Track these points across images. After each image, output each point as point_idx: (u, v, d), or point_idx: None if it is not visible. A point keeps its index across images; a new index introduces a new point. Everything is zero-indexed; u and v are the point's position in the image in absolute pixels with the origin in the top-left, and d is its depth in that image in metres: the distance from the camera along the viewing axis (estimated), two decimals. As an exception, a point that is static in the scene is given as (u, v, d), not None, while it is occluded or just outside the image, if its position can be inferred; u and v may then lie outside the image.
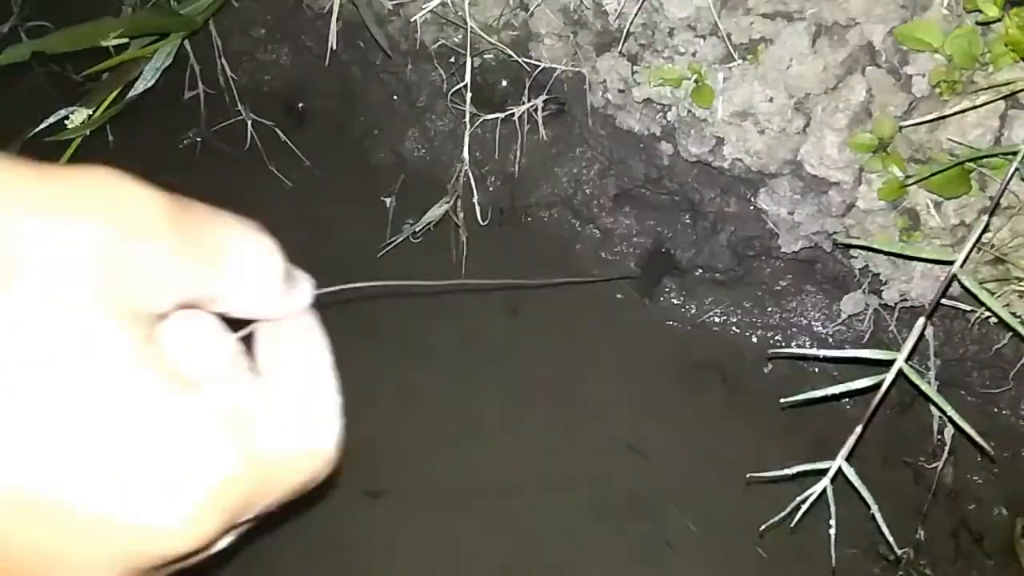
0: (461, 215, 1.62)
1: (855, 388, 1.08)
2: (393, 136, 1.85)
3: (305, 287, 0.39)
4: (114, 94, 1.47)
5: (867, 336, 1.52)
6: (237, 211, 0.36)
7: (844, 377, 1.14)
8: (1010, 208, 1.23)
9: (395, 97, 1.82)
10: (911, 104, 1.24)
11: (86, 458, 0.27)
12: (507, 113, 1.57)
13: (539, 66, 1.50)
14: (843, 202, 1.35)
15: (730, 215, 1.54)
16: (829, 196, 1.36)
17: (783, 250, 1.48)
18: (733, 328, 1.66)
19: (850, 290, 1.49)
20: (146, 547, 0.28)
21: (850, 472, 1.08)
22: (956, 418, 1.06)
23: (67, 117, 1.40)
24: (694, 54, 1.34)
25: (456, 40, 1.58)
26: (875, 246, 1.30)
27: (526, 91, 1.56)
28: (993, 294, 1.16)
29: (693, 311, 1.68)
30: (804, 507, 1.11)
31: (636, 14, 1.34)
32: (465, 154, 1.53)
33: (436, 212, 1.61)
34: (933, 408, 1.36)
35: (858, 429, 1.07)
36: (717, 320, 1.66)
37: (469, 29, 1.43)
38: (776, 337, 1.63)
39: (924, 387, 1.07)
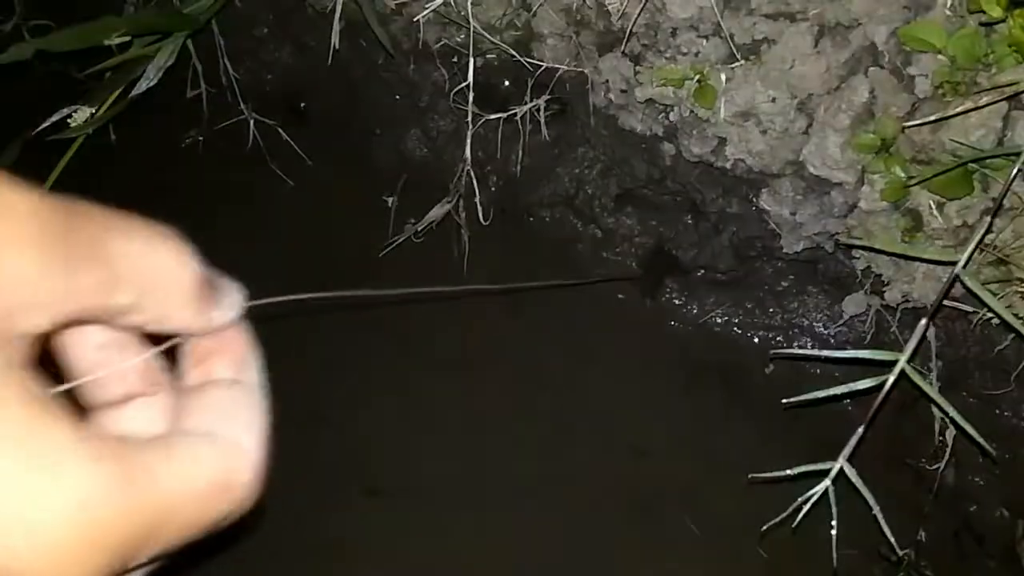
0: (463, 215, 1.62)
1: (857, 389, 1.08)
2: (395, 136, 1.85)
3: (232, 299, 0.35)
4: (117, 93, 1.48)
5: (869, 337, 1.52)
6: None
7: (845, 378, 1.14)
8: (1013, 209, 1.23)
9: (397, 97, 1.82)
10: (914, 105, 1.24)
11: None
12: (509, 113, 1.57)
13: (541, 66, 1.50)
14: (845, 203, 1.35)
15: (732, 215, 1.54)
16: (831, 197, 1.36)
17: (785, 251, 1.48)
18: (735, 329, 1.66)
19: (852, 291, 1.49)
20: None
21: (851, 473, 1.08)
22: (958, 419, 1.06)
23: (70, 116, 1.40)
24: (697, 54, 1.34)
25: (459, 40, 1.58)
26: (877, 247, 1.30)
27: (528, 91, 1.56)
28: (995, 295, 1.16)
29: (695, 311, 1.68)
30: (806, 508, 1.11)
31: (639, 14, 1.34)
32: (467, 154, 1.53)
33: (438, 212, 1.61)
34: (935, 409, 1.36)
35: (860, 430, 1.07)
36: (719, 320, 1.66)
37: (472, 29, 1.43)
38: (778, 338, 1.63)
39: (926, 388, 1.07)
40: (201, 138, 1.94)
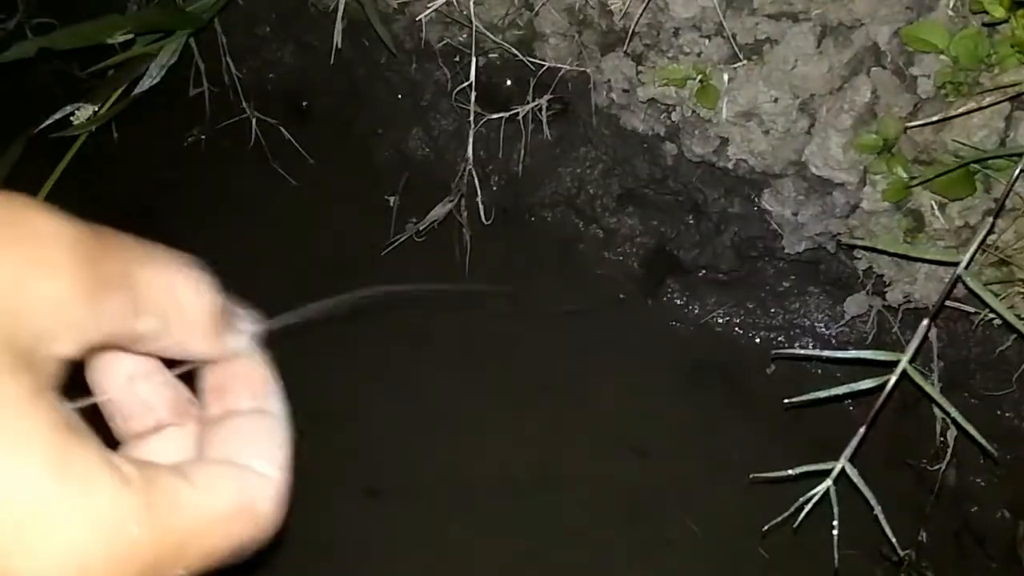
0: (465, 214, 1.63)
1: (859, 389, 1.08)
2: (397, 135, 1.85)
3: (249, 326, 0.36)
4: (119, 91, 1.48)
5: (870, 337, 1.52)
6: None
7: (847, 378, 1.14)
8: (1015, 210, 1.23)
9: (399, 96, 1.82)
10: (916, 105, 1.24)
11: None
12: (511, 112, 1.57)
13: (544, 66, 1.50)
14: (847, 203, 1.35)
15: (734, 216, 1.54)
16: (833, 197, 1.36)
17: (787, 251, 1.48)
18: (736, 329, 1.66)
19: (854, 291, 1.49)
20: None
21: (853, 473, 1.08)
22: (960, 420, 1.06)
23: (72, 114, 1.40)
24: (699, 54, 1.34)
25: (461, 39, 1.58)
26: (879, 247, 1.30)
27: (530, 91, 1.56)
28: (997, 296, 1.16)
29: (696, 311, 1.68)
30: (807, 508, 1.11)
31: (641, 14, 1.34)
32: (469, 153, 1.53)
33: (440, 211, 1.61)
34: (936, 410, 1.36)
35: (861, 430, 1.07)
36: (720, 320, 1.66)
37: (474, 28, 1.43)
38: (779, 338, 1.63)
39: (928, 389, 1.07)
40: (203, 137, 1.94)
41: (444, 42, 1.60)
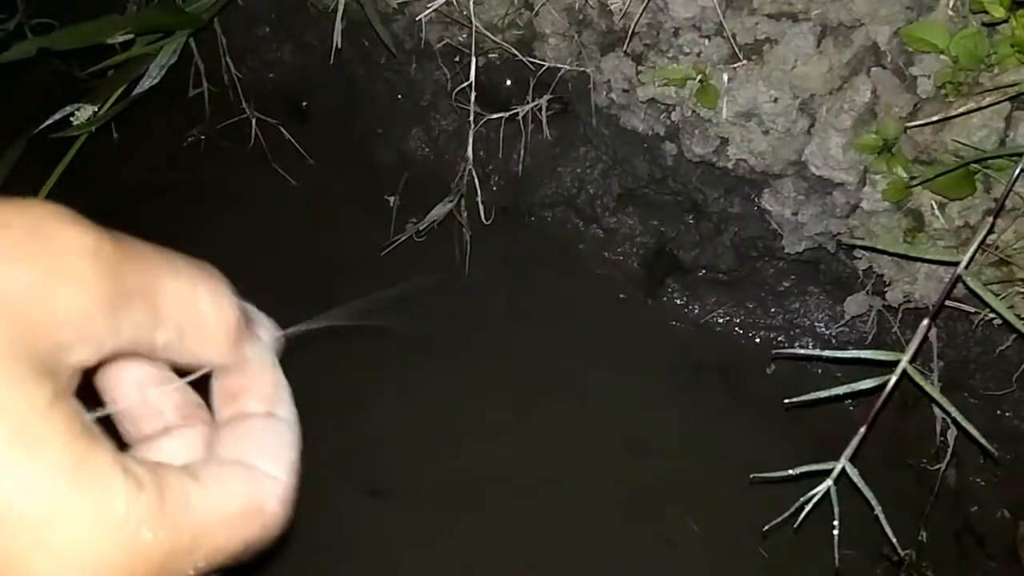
0: (464, 214, 1.63)
1: (859, 389, 1.08)
2: (397, 135, 1.85)
3: (265, 334, 0.37)
4: (119, 91, 1.48)
5: (870, 337, 1.52)
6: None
7: (847, 378, 1.14)
8: (1015, 210, 1.23)
9: (399, 96, 1.82)
10: (916, 105, 1.24)
11: None
12: (511, 112, 1.57)
13: (543, 65, 1.50)
14: (847, 203, 1.35)
15: (734, 215, 1.54)
16: (833, 197, 1.36)
17: (787, 251, 1.48)
18: (736, 328, 1.66)
19: (854, 291, 1.49)
20: None
21: (853, 473, 1.08)
22: (960, 420, 1.06)
23: (72, 114, 1.40)
24: (699, 54, 1.34)
25: (461, 39, 1.58)
26: (879, 247, 1.30)
27: (530, 90, 1.56)
28: (997, 296, 1.16)
29: (696, 311, 1.68)
30: (808, 508, 1.11)
31: (641, 14, 1.34)
32: (469, 153, 1.53)
33: (440, 211, 1.61)
34: (936, 410, 1.36)
35: (862, 430, 1.07)
36: (720, 320, 1.66)
37: (474, 28, 1.43)
38: (779, 338, 1.63)
39: (928, 388, 1.07)
40: (203, 137, 1.94)
41: (444, 42, 1.60)
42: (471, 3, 1.41)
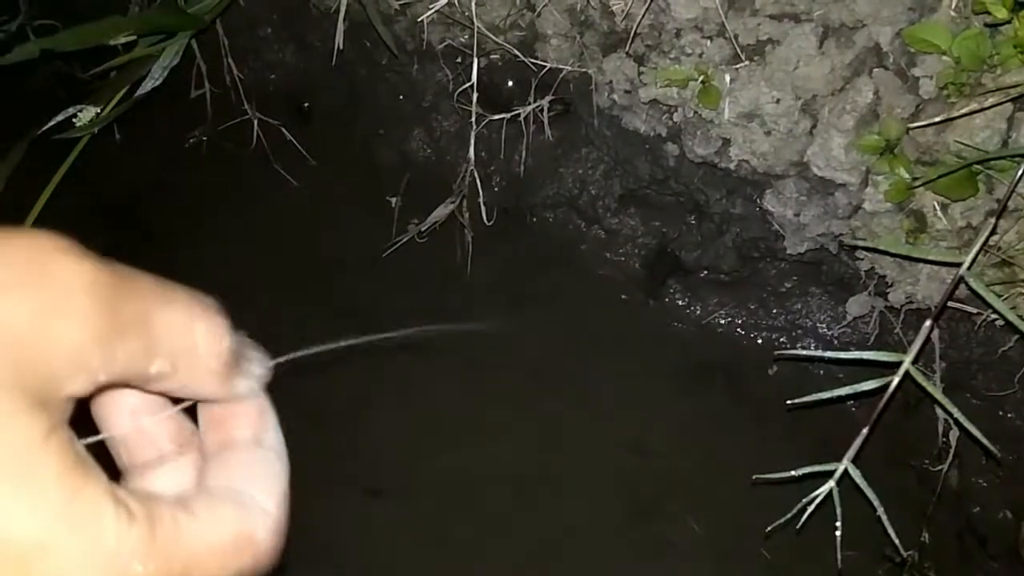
0: (466, 215, 1.63)
1: (861, 390, 1.08)
2: (399, 136, 1.85)
3: (257, 368, 0.37)
4: (121, 92, 1.48)
5: (872, 338, 1.52)
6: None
7: (849, 379, 1.14)
8: (1017, 211, 1.23)
9: (401, 97, 1.82)
10: (918, 106, 1.24)
11: None
12: (513, 113, 1.57)
13: (545, 66, 1.50)
14: (849, 204, 1.35)
15: (736, 216, 1.54)
16: (835, 198, 1.36)
17: (789, 252, 1.48)
18: (738, 329, 1.66)
19: (856, 292, 1.49)
20: None
21: (856, 474, 1.08)
22: (963, 420, 1.06)
23: (75, 115, 1.41)
24: (701, 55, 1.34)
25: (462, 40, 1.58)
26: (881, 248, 1.30)
27: (532, 91, 1.56)
28: (1000, 297, 1.16)
29: (698, 312, 1.68)
30: (810, 509, 1.11)
31: (643, 15, 1.34)
32: (471, 154, 1.53)
33: (442, 212, 1.61)
34: (938, 410, 1.36)
35: (864, 431, 1.07)
36: (722, 321, 1.66)
37: (476, 29, 1.43)
38: (781, 339, 1.63)
39: (931, 389, 1.07)
40: (205, 138, 1.94)
41: (446, 43, 1.60)
42: (473, 4, 1.41)
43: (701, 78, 1.34)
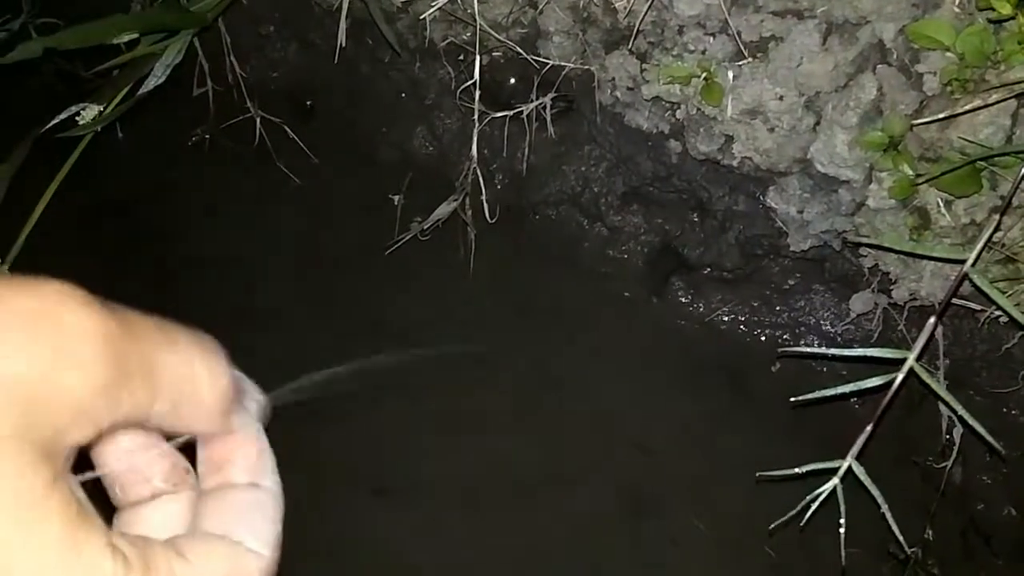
0: (469, 213, 1.63)
1: (865, 387, 1.07)
2: (401, 133, 1.85)
3: (252, 403, 0.38)
4: (124, 91, 1.48)
5: (876, 335, 1.52)
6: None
7: (852, 376, 1.14)
8: (1021, 207, 1.22)
9: (403, 94, 1.82)
10: (922, 102, 1.23)
11: None
12: (515, 111, 1.57)
13: (548, 64, 1.50)
14: (853, 200, 1.34)
15: (739, 213, 1.54)
16: (839, 194, 1.35)
17: (792, 249, 1.48)
18: (741, 327, 1.66)
19: (859, 289, 1.49)
20: None
21: (860, 471, 1.08)
22: (967, 417, 1.05)
23: (78, 114, 1.41)
24: (704, 52, 1.34)
25: (465, 38, 1.58)
26: (885, 245, 1.30)
27: (535, 89, 1.56)
28: (1004, 293, 1.16)
29: (701, 309, 1.67)
30: (814, 506, 1.11)
31: (646, 12, 1.34)
32: (473, 152, 1.53)
33: (444, 210, 1.61)
34: (942, 408, 1.36)
35: (868, 428, 1.07)
36: (725, 319, 1.66)
37: (478, 26, 1.43)
38: (784, 336, 1.63)
39: (935, 386, 1.07)
40: (207, 136, 1.94)
41: (448, 40, 1.60)
42: (475, 1, 1.41)
43: (704, 75, 1.34)
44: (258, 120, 1.82)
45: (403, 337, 1.68)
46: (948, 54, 1.17)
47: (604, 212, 1.70)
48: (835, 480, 1.09)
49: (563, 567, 1.44)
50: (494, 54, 1.61)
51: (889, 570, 1.40)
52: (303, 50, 1.93)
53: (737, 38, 1.30)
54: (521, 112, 1.57)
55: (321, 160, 1.89)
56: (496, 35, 1.49)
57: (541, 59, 1.50)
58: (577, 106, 1.61)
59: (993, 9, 1.09)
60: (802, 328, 1.62)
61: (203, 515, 0.36)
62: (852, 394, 1.11)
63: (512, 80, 1.65)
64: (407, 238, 1.69)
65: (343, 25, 1.54)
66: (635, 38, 1.39)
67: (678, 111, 1.43)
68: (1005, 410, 1.46)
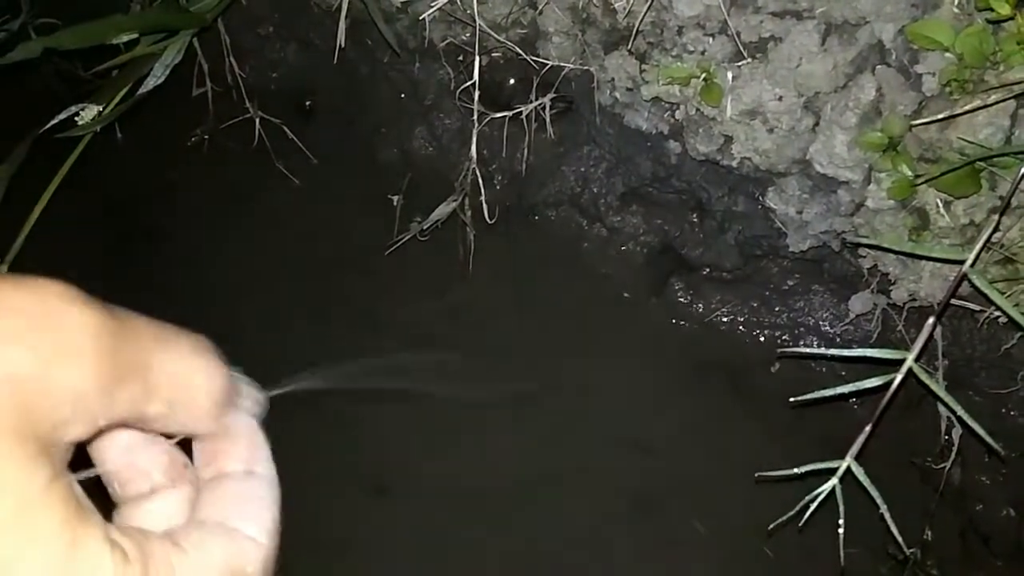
0: (468, 213, 1.63)
1: (864, 387, 1.07)
2: (401, 134, 1.85)
3: (248, 400, 0.38)
4: (124, 91, 1.48)
5: (875, 336, 1.52)
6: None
7: (851, 377, 1.14)
8: (1020, 208, 1.22)
9: (403, 95, 1.82)
10: (921, 103, 1.23)
11: None
12: (515, 111, 1.57)
13: (547, 64, 1.50)
14: (852, 201, 1.34)
15: (738, 214, 1.54)
16: (838, 195, 1.35)
17: (791, 249, 1.48)
18: (740, 327, 1.66)
19: (858, 289, 1.49)
20: None
21: (859, 472, 1.08)
22: (966, 418, 1.05)
23: (77, 114, 1.41)
24: (703, 52, 1.34)
25: (464, 38, 1.58)
26: (884, 245, 1.30)
27: (534, 89, 1.56)
28: (1003, 294, 1.16)
29: (700, 310, 1.67)
30: (813, 507, 1.11)
31: (645, 12, 1.34)
32: (473, 152, 1.53)
33: (443, 210, 1.61)
34: (941, 408, 1.36)
35: (867, 429, 1.07)
36: (724, 319, 1.66)
37: (477, 27, 1.43)
38: (783, 336, 1.63)
39: (934, 387, 1.07)
40: (207, 136, 1.94)
41: (447, 41, 1.60)
42: (475, 2, 1.41)
43: (703, 75, 1.34)
44: (257, 120, 1.82)
45: (402, 337, 1.68)
46: (947, 55, 1.17)
47: (603, 212, 1.71)
48: (834, 480, 1.09)
49: (563, 567, 1.44)
50: (493, 55, 1.61)
51: (888, 570, 1.40)
52: (302, 50, 1.93)
53: (736, 39, 1.30)
54: (520, 113, 1.57)
55: (320, 160, 1.89)
56: (495, 36, 1.49)
57: (540, 60, 1.50)
58: (576, 107, 1.61)
59: (992, 10, 1.09)
60: (801, 328, 1.62)
61: (200, 506, 0.36)
62: (851, 394, 1.11)
63: (511, 81, 1.65)
64: (406, 238, 1.69)
65: (342, 25, 1.54)
66: (634, 39, 1.39)
67: (677, 112, 1.43)
68: (1004, 411, 1.46)
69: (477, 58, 1.45)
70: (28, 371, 0.28)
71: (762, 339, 1.64)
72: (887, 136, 1.24)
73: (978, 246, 1.10)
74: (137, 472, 0.37)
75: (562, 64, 1.49)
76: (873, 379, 1.08)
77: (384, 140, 1.89)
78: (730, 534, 1.45)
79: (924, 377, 1.07)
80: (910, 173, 1.25)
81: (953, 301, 1.23)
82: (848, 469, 1.08)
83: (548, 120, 1.58)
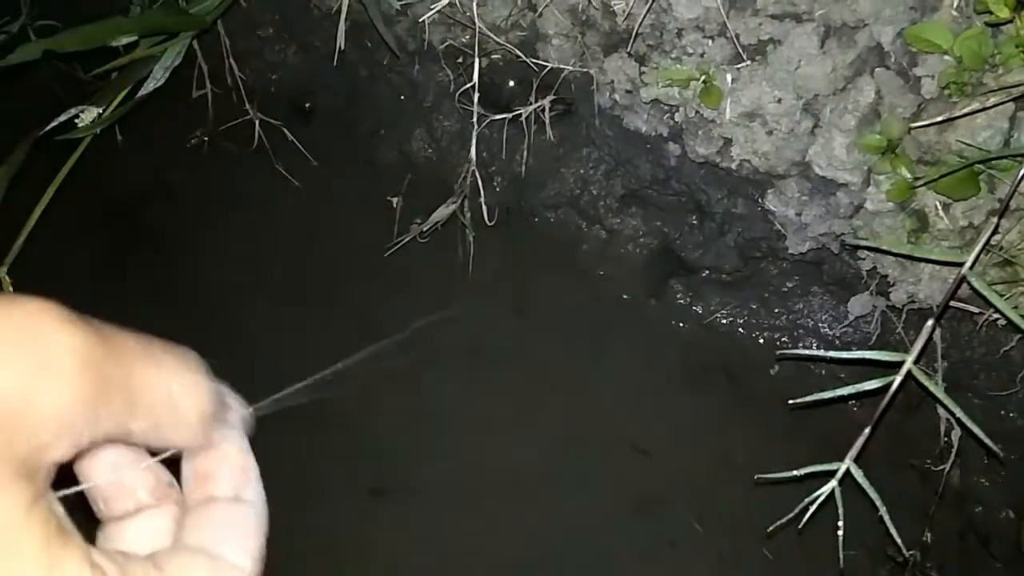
0: (468, 215, 1.63)
1: (863, 389, 1.08)
2: (400, 136, 1.85)
3: (235, 416, 0.38)
4: (123, 93, 1.48)
5: (874, 338, 1.52)
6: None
7: (851, 379, 1.14)
8: (1019, 210, 1.23)
9: (402, 97, 1.82)
10: (920, 106, 1.24)
11: None
12: (514, 113, 1.57)
13: (546, 66, 1.50)
14: (851, 203, 1.35)
15: (737, 216, 1.54)
16: (837, 197, 1.36)
17: (790, 251, 1.48)
18: (739, 329, 1.66)
19: (857, 292, 1.49)
20: None
21: (858, 474, 1.08)
22: (965, 420, 1.06)
23: (77, 116, 1.41)
24: (702, 55, 1.34)
25: (464, 40, 1.58)
26: (883, 247, 1.30)
27: (533, 91, 1.56)
28: (1002, 296, 1.16)
29: (699, 312, 1.68)
30: (812, 509, 1.11)
31: (644, 15, 1.34)
32: (472, 154, 1.53)
33: (443, 212, 1.61)
34: (940, 410, 1.36)
35: (866, 431, 1.07)
36: (724, 321, 1.66)
37: (477, 29, 1.43)
38: (783, 338, 1.63)
39: (933, 389, 1.07)
40: (206, 138, 1.95)
41: (447, 43, 1.60)
42: (474, 4, 1.42)
43: (703, 78, 1.34)
44: (257, 122, 1.83)
45: (402, 338, 1.68)
46: (946, 57, 1.17)
47: (603, 214, 1.71)
48: (833, 482, 1.09)
49: (563, 567, 1.44)
50: (493, 57, 1.61)
51: (887, 572, 1.40)
52: (302, 52, 1.93)
53: (736, 41, 1.30)
54: (520, 115, 1.57)
55: (320, 162, 1.89)
56: (495, 38, 1.49)
57: (540, 62, 1.50)
58: (576, 109, 1.61)
59: (991, 12, 1.09)
60: (800, 330, 1.62)
61: (186, 529, 0.36)
62: (850, 396, 1.11)
63: (511, 83, 1.65)
64: (406, 240, 1.69)
65: (342, 27, 1.54)
66: (634, 41, 1.39)
67: (677, 114, 1.43)
68: (1003, 413, 1.46)
69: (477, 60, 1.45)
70: (12, 391, 0.28)
71: (761, 341, 1.65)
72: (886, 138, 1.24)
73: (977, 248, 1.10)
74: (122, 490, 0.37)
75: (562, 66, 1.49)
76: (872, 381, 1.08)
77: (384, 142, 1.89)
78: (729, 536, 1.45)
79: (923, 379, 1.07)
80: (909, 175, 1.25)
81: (952, 303, 1.23)
82: (847, 471, 1.09)
83: (548, 122, 1.58)
